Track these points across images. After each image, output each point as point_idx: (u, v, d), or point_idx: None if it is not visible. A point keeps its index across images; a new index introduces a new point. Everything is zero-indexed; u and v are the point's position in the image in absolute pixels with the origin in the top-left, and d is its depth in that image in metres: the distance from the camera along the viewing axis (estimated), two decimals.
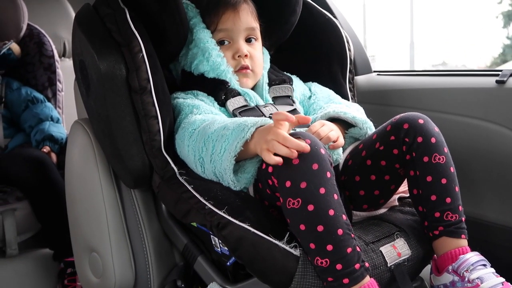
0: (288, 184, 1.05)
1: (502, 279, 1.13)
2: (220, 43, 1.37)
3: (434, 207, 1.20)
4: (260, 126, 1.13)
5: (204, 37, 1.35)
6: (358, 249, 1.08)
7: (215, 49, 1.35)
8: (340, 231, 1.04)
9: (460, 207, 1.20)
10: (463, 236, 1.20)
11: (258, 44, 1.42)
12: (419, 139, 1.19)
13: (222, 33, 1.37)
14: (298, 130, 1.16)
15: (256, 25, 1.41)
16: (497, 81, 1.53)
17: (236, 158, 1.14)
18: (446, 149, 1.20)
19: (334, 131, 1.30)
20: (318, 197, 1.04)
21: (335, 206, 1.05)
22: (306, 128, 1.28)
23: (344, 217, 1.07)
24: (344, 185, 1.31)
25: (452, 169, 1.20)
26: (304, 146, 1.03)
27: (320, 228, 1.04)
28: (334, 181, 1.08)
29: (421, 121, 1.21)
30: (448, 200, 1.19)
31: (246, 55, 1.37)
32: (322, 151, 1.07)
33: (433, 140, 1.19)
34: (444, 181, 1.19)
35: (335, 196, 1.06)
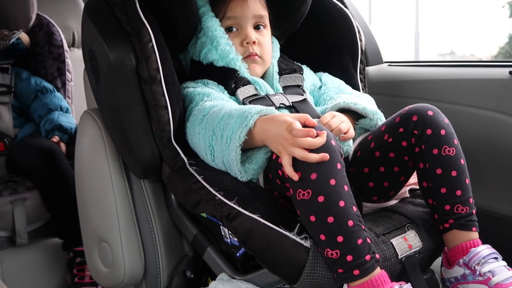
0: (298, 175, 1.05)
1: None
2: (228, 30, 1.36)
3: (444, 199, 1.19)
4: (264, 115, 1.13)
5: (212, 25, 1.34)
6: (369, 241, 1.07)
7: (224, 38, 1.34)
8: (350, 223, 1.04)
9: (471, 200, 1.19)
10: (474, 228, 1.18)
11: (266, 32, 1.41)
12: (428, 131, 1.17)
13: (230, 20, 1.36)
14: None
15: (264, 13, 1.40)
16: (510, 72, 1.52)
17: (243, 146, 1.13)
18: (456, 141, 1.19)
19: (345, 123, 1.29)
20: (328, 188, 1.04)
21: (345, 198, 1.05)
22: (317, 120, 1.27)
23: (355, 208, 1.06)
24: (353, 176, 1.30)
25: (463, 161, 1.19)
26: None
27: (330, 219, 1.03)
28: (344, 173, 1.08)
29: (430, 112, 1.19)
30: (459, 192, 1.18)
31: (254, 42, 1.36)
32: (333, 142, 1.07)
33: (442, 132, 1.17)
34: (454, 173, 1.17)
35: (346, 188, 1.06)
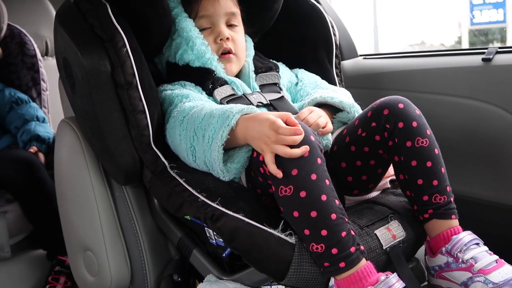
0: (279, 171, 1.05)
1: (496, 257, 1.14)
2: (202, 29, 1.36)
3: (421, 191, 1.19)
4: (246, 114, 1.13)
5: (187, 26, 1.34)
6: (353, 233, 1.08)
7: (199, 38, 1.34)
8: (333, 216, 1.05)
9: (448, 188, 1.20)
10: (453, 216, 1.19)
11: (239, 29, 1.41)
12: (400, 125, 1.18)
13: (203, 19, 1.36)
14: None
15: (236, 10, 1.40)
16: (483, 59, 1.54)
17: (225, 146, 1.13)
18: (429, 131, 1.19)
19: (322, 117, 1.30)
20: (309, 183, 1.04)
21: (327, 192, 1.05)
22: (295, 116, 1.28)
23: (337, 201, 1.07)
24: (332, 171, 1.30)
25: (437, 151, 1.19)
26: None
27: (313, 213, 1.04)
28: (325, 167, 1.08)
29: (401, 105, 1.19)
30: (435, 182, 1.18)
31: (228, 38, 1.36)
32: (312, 137, 1.07)
33: (414, 124, 1.18)
34: (429, 164, 1.18)
35: (327, 182, 1.07)
